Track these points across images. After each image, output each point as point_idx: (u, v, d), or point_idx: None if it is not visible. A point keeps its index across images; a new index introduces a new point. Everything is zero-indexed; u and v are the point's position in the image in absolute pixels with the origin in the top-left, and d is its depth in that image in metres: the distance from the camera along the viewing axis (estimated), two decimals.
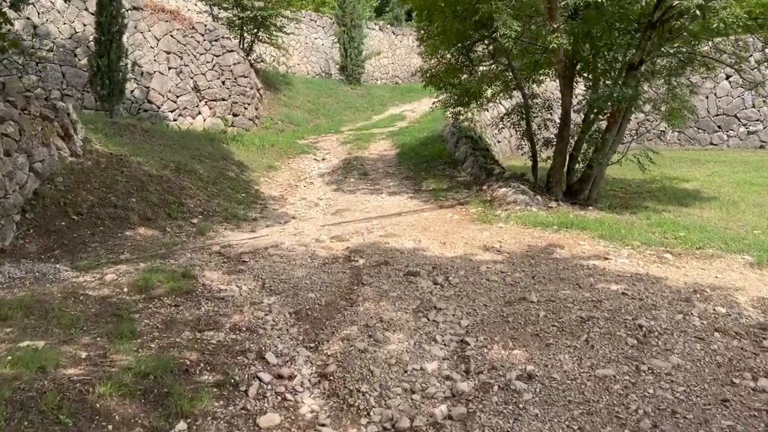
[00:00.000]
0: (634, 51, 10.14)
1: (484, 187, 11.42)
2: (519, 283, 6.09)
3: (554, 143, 11.94)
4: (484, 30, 11.53)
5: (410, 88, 28.94)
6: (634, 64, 10.11)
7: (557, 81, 12.85)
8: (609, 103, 10.00)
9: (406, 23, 35.65)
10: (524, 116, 12.38)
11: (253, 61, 21.38)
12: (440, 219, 9.51)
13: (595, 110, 10.24)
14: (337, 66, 27.31)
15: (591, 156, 10.86)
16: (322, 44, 28.80)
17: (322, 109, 22.19)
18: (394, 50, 32.67)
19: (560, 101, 14.20)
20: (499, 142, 20.70)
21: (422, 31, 12.62)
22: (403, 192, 11.66)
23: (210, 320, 5.02)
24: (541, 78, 12.67)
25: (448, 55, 12.84)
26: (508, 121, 12.72)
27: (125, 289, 5.51)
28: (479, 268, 6.60)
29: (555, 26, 9.52)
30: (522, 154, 20.83)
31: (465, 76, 12.76)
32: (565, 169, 11.31)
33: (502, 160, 17.46)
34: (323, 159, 15.21)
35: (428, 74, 12.94)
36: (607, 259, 6.85)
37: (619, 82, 10.36)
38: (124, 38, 12.53)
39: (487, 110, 14.77)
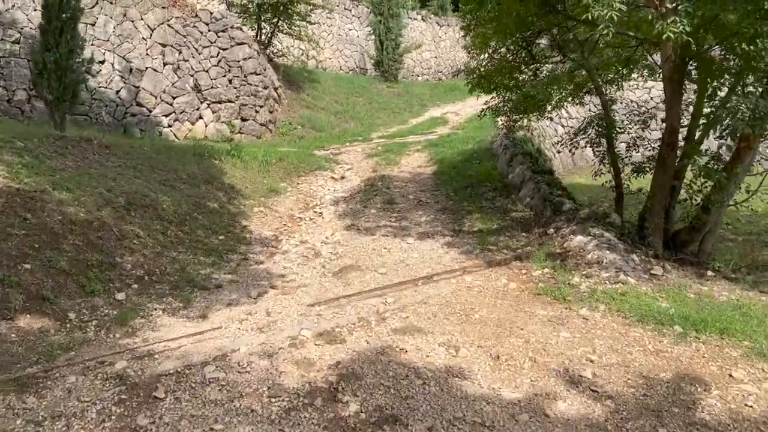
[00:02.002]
0: None
1: (551, 231, 8.28)
2: None
3: (647, 169, 8.70)
4: (553, 15, 8.35)
5: (454, 85, 25.66)
6: None
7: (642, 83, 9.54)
8: (747, 122, 6.69)
9: (453, 13, 32.36)
10: (603, 131, 9.17)
11: (272, 55, 18.64)
12: (490, 290, 6.45)
13: (726, 131, 6.93)
14: (372, 61, 24.31)
15: (708, 194, 7.56)
16: (357, 36, 25.85)
17: (351, 111, 19.26)
18: (437, 43, 29.43)
19: (643, 109, 10.88)
20: (558, 152, 17.40)
21: (468, 16, 9.49)
22: (437, 234, 8.61)
23: None
24: (631, 81, 9.38)
25: (503, 50, 9.70)
26: (583, 139, 9.47)
27: None
28: None
29: (668, 7, 6.33)
30: (590, 167, 17.53)
31: (525, 76, 9.62)
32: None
33: (562, 175, 14.25)
34: (342, 177, 12.28)
35: (476, 74, 9.81)
36: None
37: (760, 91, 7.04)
38: (102, 26, 9.79)
39: (551, 118, 11.53)
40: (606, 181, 9.15)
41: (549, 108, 9.98)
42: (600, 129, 9.19)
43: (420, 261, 7.44)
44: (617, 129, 9.17)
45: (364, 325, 5.43)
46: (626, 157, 9.14)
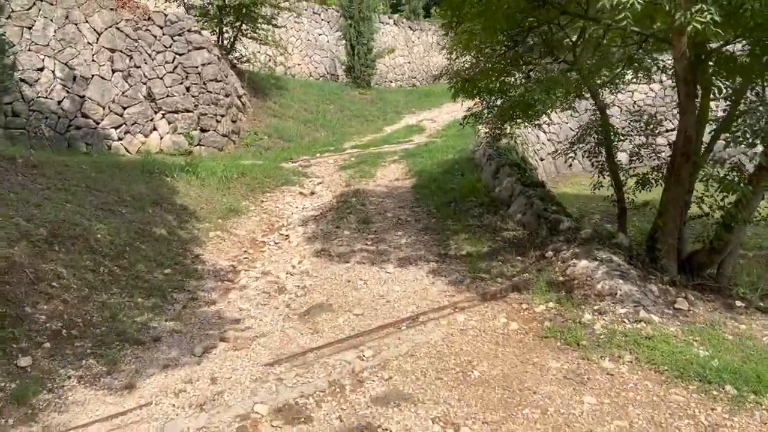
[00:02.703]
0: None
1: (549, 253, 7.23)
2: None
3: (654, 181, 7.75)
4: (545, 9, 7.37)
5: (430, 91, 24.74)
6: None
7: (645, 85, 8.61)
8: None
9: (425, 18, 31.48)
10: (601, 139, 8.22)
11: (235, 61, 17.41)
12: (488, 333, 5.37)
13: (763, 142, 5.97)
14: (343, 66, 23.21)
15: (729, 211, 6.60)
16: (327, 41, 24.73)
17: (322, 119, 18.09)
18: (410, 48, 28.48)
19: (645, 113, 9.99)
20: (542, 159, 16.47)
21: (449, 12, 8.43)
22: (421, 259, 7.51)
23: None
24: (629, 83, 8.42)
25: (488, 50, 8.68)
26: (580, 149, 8.50)
27: None
28: None
29: None
30: (574, 175, 16.64)
31: (513, 79, 8.61)
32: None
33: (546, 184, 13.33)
34: (312, 193, 11.11)
35: (459, 78, 8.76)
36: None
37: None
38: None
39: (539, 125, 10.52)
40: (608, 196, 8.19)
41: (539, 114, 9.00)
42: (599, 137, 8.24)
43: (402, 296, 6.32)
44: (618, 136, 8.22)
45: (336, 393, 4.29)
46: (629, 167, 8.19)
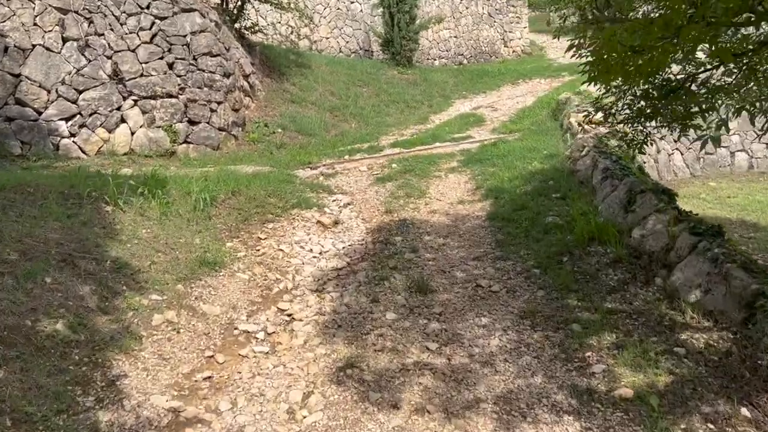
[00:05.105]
0: None
1: None
2: None
3: None
4: None
5: (482, 70, 20.72)
6: None
7: None
8: None
9: None
10: None
11: (244, 31, 13.74)
12: None
13: None
14: (379, 40, 19.33)
15: None
16: (361, 11, 20.83)
17: (353, 106, 14.31)
18: (457, 19, 24.32)
19: None
20: (649, 156, 12.45)
21: None
22: (542, 405, 3.80)
23: None
24: None
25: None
26: None
27: None
28: None
29: None
30: (679, 180, 12.64)
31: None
32: None
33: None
34: (336, 223, 7.42)
35: (598, 56, 4.90)
36: None
37: None
38: None
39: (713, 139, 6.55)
40: None
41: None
42: None
43: None
44: None
45: None
46: None
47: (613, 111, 6.20)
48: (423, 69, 19.50)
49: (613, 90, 6.21)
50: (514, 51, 25.37)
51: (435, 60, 22.93)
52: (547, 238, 6.28)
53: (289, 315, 5.25)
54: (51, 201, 5.84)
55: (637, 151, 6.17)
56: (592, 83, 5.71)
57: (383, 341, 4.67)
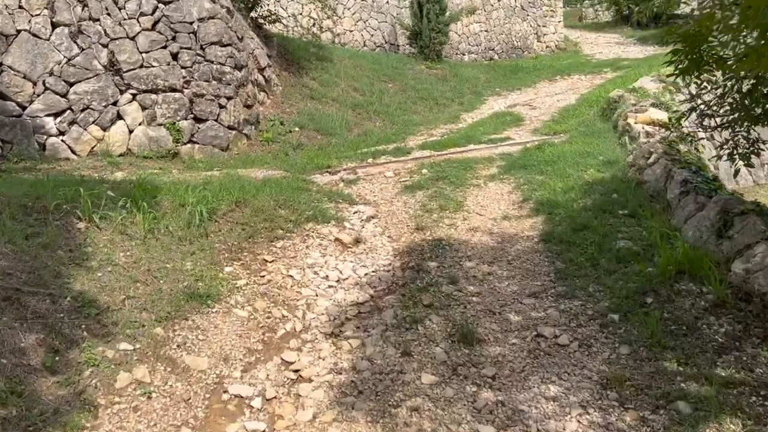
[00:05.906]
0: None
1: None
2: None
3: None
4: None
5: (516, 66, 19.37)
6: None
7: None
8: None
9: None
10: None
11: (261, 21, 12.64)
12: None
13: None
14: (407, 33, 18.07)
15: None
16: (387, 2, 19.58)
17: (377, 104, 13.10)
18: (488, 12, 22.93)
19: None
20: (718, 159, 11.05)
21: None
22: None
23: None
24: None
25: None
26: None
27: None
28: None
29: None
30: (740, 186, 11.19)
31: None
32: None
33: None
34: (357, 242, 6.22)
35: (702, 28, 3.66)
36: None
37: None
38: None
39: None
40: None
41: None
42: None
43: None
44: None
45: None
46: None
47: (709, 112, 4.94)
48: (452, 64, 18.20)
49: (709, 85, 4.97)
50: (547, 46, 23.91)
51: (464, 55, 21.59)
52: (622, 270, 5.01)
53: (295, 371, 4.07)
54: (5, 217, 4.73)
55: (743, 162, 4.89)
56: (681, 76, 4.54)
57: (419, 419, 3.47)
